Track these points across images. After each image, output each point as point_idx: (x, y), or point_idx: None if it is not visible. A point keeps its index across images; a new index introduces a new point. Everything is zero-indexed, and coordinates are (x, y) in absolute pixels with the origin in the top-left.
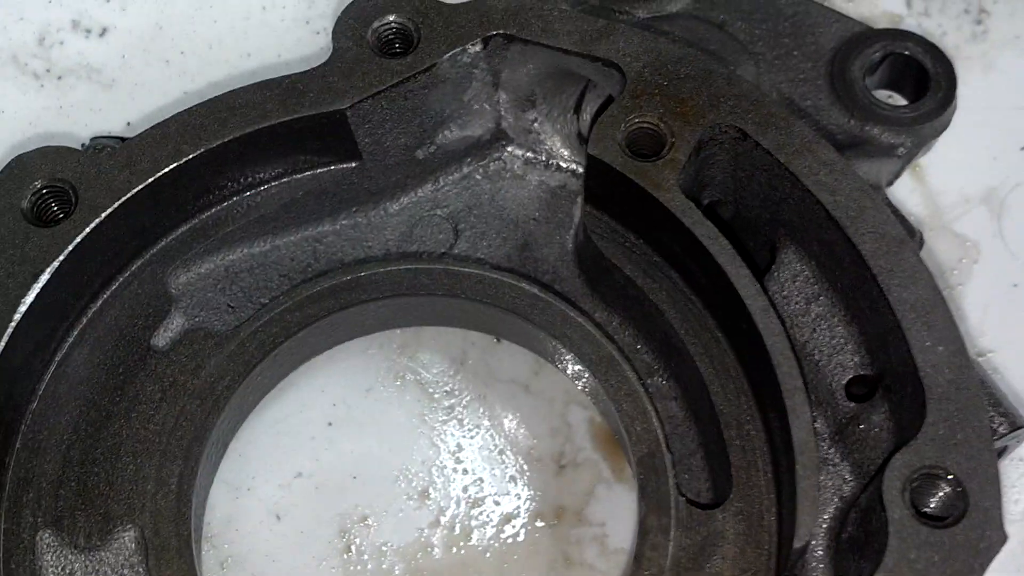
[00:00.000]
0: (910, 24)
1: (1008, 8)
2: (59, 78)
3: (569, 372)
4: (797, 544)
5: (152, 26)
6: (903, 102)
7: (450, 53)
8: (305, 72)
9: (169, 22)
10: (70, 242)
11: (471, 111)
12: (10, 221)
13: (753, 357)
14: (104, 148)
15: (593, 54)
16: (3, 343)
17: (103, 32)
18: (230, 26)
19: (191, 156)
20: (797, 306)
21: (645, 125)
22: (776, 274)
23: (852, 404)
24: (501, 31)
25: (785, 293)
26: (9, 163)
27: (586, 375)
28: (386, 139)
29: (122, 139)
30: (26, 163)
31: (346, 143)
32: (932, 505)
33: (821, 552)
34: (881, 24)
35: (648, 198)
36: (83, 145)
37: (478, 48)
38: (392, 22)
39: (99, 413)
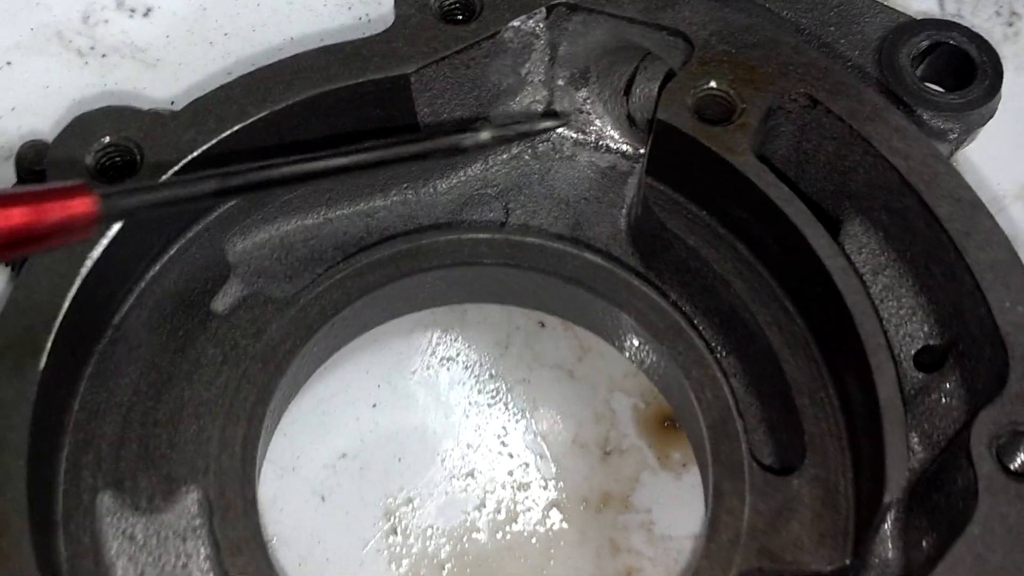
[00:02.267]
0: None
1: None
2: (103, 56)
3: (629, 344)
4: (887, 498)
5: (196, 7)
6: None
7: (515, 21)
8: (368, 37)
9: (214, 4)
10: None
11: (526, 86)
12: (73, 178)
13: (828, 321)
14: None
15: (659, 23)
16: (67, 302)
17: (147, 12)
18: (273, 9)
19: (256, 117)
20: (864, 278)
21: (714, 91)
22: (842, 246)
23: (920, 375)
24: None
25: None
26: (71, 122)
27: (649, 346)
28: (444, 110)
29: None
30: (89, 122)
31: (406, 112)
32: (1019, 462)
33: (888, 526)
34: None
35: (719, 163)
36: None
37: (541, 17)
38: None
39: (160, 375)
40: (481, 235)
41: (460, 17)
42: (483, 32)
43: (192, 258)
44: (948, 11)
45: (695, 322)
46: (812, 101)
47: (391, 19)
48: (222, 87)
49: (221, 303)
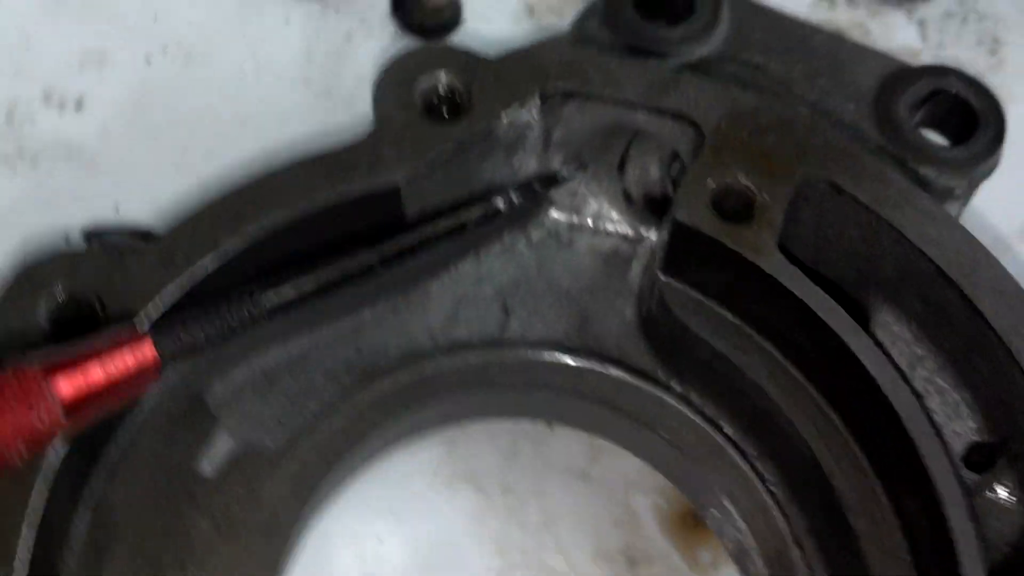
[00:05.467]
0: (926, 58)
1: (1022, 37)
2: (34, 161)
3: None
4: None
5: (134, 95)
6: (945, 141)
7: (508, 113)
8: (350, 145)
9: (153, 89)
10: None
11: (518, 175)
12: (24, 344)
13: (876, 429)
14: (111, 242)
15: (663, 107)
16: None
17: (79, 105)
18: (221, 91)
19: (234, 249)
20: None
21: (732, 184)
22: (874, 337)
23: (973, 475)
24: (560, 85)
25: None
26: (17, 276)
27: (682, 465)
28: (433, 209)
29: (138, 232)
30: (38, 274)
31: (394, 216)
32: None
33: None
34: (901, 59)
35: (746, 264)
36: (86, 238)
37: (535, 105)
38: (441, 83)
39: (148, 563)
40: (488, 356)
41: (446, 110)
42: (475, 128)
43: (168, 415)
44: (931, 42)
45: (720, 423)
46: (835, 188)
47: (353, 104)
48: (189, 218)
49: (208, 465)
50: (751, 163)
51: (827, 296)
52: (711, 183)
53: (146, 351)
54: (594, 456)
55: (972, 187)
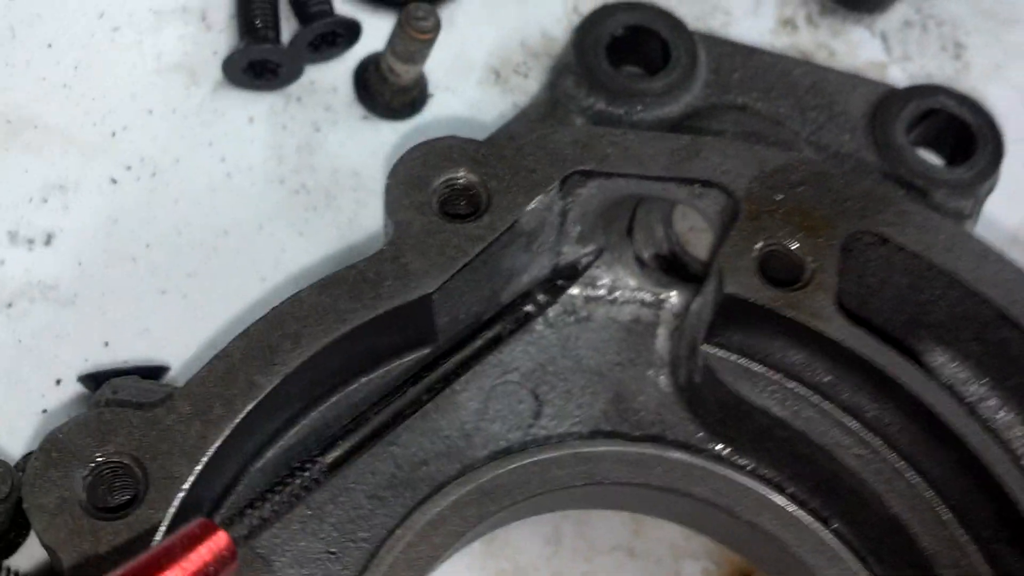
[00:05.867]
0: (894, 70)
1: (982, 39)
2: (9, 305)
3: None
4: None
5: (105, 221)
6: (940, 160)
7: (531, 203)
8: (371, 257)
9: (124, 212)
10: (153, 528)
11: (535, 259)
12: (69, 520)
13: (955, 480)
14: (126, 389)
15: (690, 176)
16: None
17: (48, 239)
18: (195, 203)
19: (269, 388)
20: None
21: (776, 248)
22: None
23: None
24: (579, 168)
25: None
26: (43, 446)
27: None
28: (460, 312)
29: (148, 368)
30: (64, 442)
31: (424, 328)
32: None
33: None
34: (869, 74)
35: (805, 331)
36: (87, 385)
37: (555, 190)
38: (456, 179)
39: None
40: (540, 456)
41: (463, 206)
42: (500, 225)
43: None
44: (896, 55)
45: (788, 492)
46: (881, 239)
47: (333, 195)
48: (216, 357)
49: None
50: (792, 223)
51: (895, 353)
52: (754, 251)
53: (221, 542)
54: (636, 528)
55: (978, 204)
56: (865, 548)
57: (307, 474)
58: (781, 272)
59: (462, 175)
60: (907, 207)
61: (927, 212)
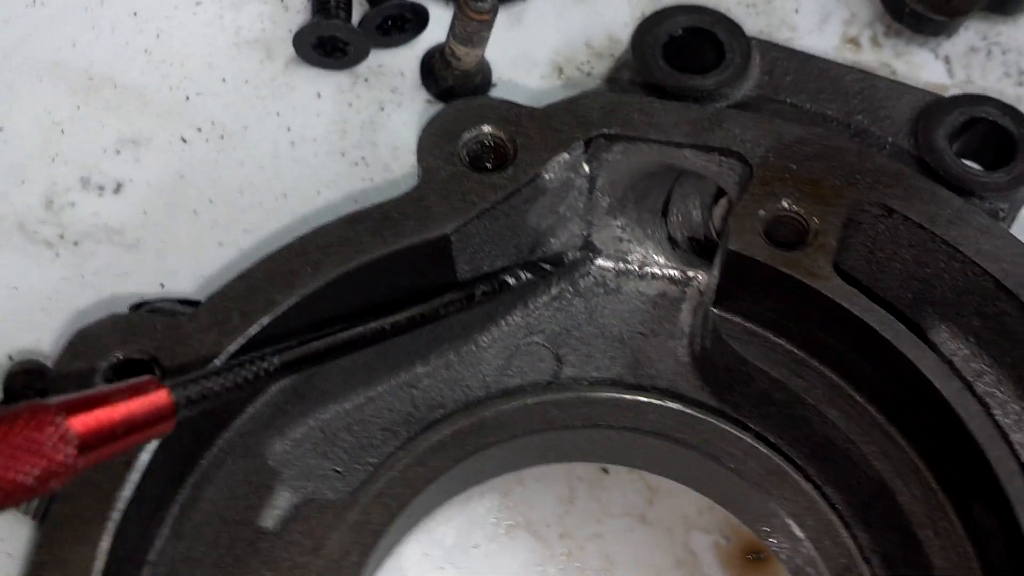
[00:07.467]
0: (954, 93)
1: None
2: (75, 243)
3: (720, 496)
4: None
5: (173, 176)
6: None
7: (553, 160)
8: (398, 198)
9: (191, 169)
10: None
11: (565, 223)
12: None
13: (941, 445)
14: (159, 307)
15: (710, 144)
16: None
17: (118, 188)
18: (259, 166)
19: (285, 306)
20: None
21: (783, 213)
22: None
23: None
24: (604, 131)
25: None
26: (72, 340)
27: (752, 495)
28: (484, 263)
29: (184, 301)
30: (92, 337)
31: (445, 273)
32: None
33: None
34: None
35: (802, 289)
36: (132, 309)
37: (579, 151)
38: (485, 134)
39: None
40: (545, 397)
41: (491, 160)
42: (521, 178)
43: (228, 472)
44: (958, 78)
45: (787, 455)
46: (887, 210)
47: (391, 170)
48: (240, 276)
49: (270, 518)
50: (801, 191)
51: (887, 313)
52: (762, 213)
53: (161, 397)
54: (651, 497)
55: (1015, 209)
56: (853, 514)
57: (263, 364)
58: (787, 236)
59: (491, 131)
60: (916, 182)
61: (935, 187)
